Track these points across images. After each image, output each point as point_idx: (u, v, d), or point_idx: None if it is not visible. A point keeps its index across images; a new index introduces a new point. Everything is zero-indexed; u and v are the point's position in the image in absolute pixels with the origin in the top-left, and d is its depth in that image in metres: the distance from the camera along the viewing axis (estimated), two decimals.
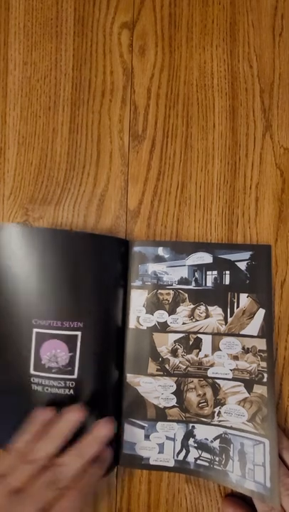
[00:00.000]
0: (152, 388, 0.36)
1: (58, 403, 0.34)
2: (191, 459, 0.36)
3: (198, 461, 0.35)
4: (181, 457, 0.36)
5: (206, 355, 0.36)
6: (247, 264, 0.37)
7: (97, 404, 0.35)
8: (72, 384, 0.34)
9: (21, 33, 0.42)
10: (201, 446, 0.36)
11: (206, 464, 0.35)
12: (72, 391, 0.34)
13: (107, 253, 0.37)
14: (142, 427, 0.36)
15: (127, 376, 0.37)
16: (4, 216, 0.41)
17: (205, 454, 0.35)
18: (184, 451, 0.36)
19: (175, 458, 0.36)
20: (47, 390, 0.34)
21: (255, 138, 0.39)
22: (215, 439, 0.35)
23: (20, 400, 0.35)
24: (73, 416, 0.32)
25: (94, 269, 0.36)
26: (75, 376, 0.34)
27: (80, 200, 0.41)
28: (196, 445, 0.36)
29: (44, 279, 0.34)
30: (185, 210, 0.40)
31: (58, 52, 0.42)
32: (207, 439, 0.36)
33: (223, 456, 0.35)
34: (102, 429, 0.32)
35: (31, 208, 0.41)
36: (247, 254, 0.37)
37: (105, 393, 0.35)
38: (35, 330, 0.34)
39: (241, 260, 0.37)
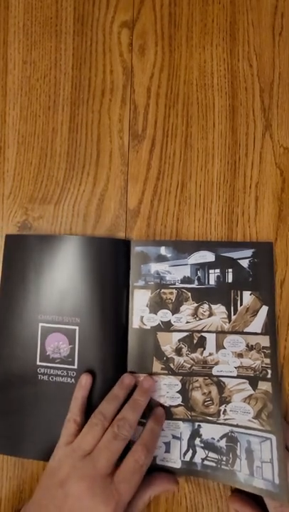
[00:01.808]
0: (157, 387, 0.35)
1: (62, 391, 0.36)
2: (198, 459, 0.34)
3: (206, 462, 0.34)
4: (188, 458, 0.35)
5: (210, 354, 0.35)
6: (249, 261, 0.36)
7: (99, 394, 0.35)
8: (73, 373, 0.36)
9: (21, 32, 0.41)
10: (208, 445, 0.34)
11: (213, 464, 0.34)
12: (73, 380, 0.36)
13: (108, 254, 0.37)
14: (141, 423, 0.34)
15: None
16: (4, 215, 0.40)
17: (212, 454, 0.34)
18: (190, 451, 0.35)
19: (182, 459, 0.35)
20: (52, 378, 0.36)
21: (255, 137, 0.38)
22: (221, 438, 0.34)
23: (29, 389, 0.36)
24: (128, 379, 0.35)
25: (94, 270, 0.36)
26: (75, 366, 0.36)
27: (79, 199, 0.40)
28: (202, 445, 0.34)
29: (49, 279, 0.37)
30: (185, 209, 0.38)
31: (58, 51, 0.40)
32: (214, 439, 0.34)
33: (230, 455, 0.33)
34: (145, 383, 0.35)
35: (31, 207, 0.40)
36: (249, 252, 0.36)
37: (108, 389, 0.35)
38: (40, 324, 0.37)
39: (243, 258, 0.36)
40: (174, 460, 0.35)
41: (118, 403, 0.33)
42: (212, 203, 0.38)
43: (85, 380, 0.35)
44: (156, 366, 0.36)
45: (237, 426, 0.34)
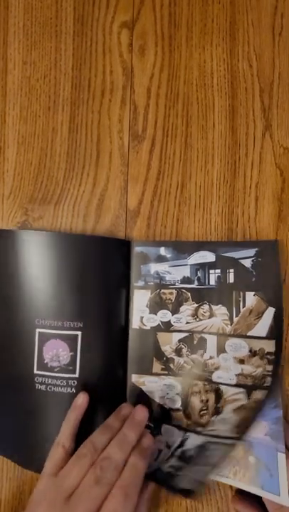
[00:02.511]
0: (157, 387, 0.34)
1: (61, 402, 0.32)
2: (165, 466, 0.33)
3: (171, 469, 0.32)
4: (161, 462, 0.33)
5: (211, 357, 0.34)
6: (252, 261, 0.34)
7: (102, 403, 0.33)
8: (74, 383, 0.33)
9: (21, 32, 0.40)
10: (182, 455, 0.33)
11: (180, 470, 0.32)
12: (74, 389, 0.33)
13: (108, 254, 0.35)
14: (148, 427, 0.34)
15: (132, 376, 0.35)
16: (4, 216, 0.39)
17: (180, 462, 0.32)
18: (168, 461, 0.33)
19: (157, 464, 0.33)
20: (50, 388, 0.33)
21: (255, 137, 0.37)
22: (197, 447, 0.33)
23: (25, 400, 0.33)
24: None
25: (95, 271, 0.34)
26: (76, 375, 0.33)
27: (79, 200, 0.39)
28: (179, 454, 0.33)
29: (47, 281, 0.34)
30: (185, 209, 0.38)
31: (58, 51, 0.39)
32: (190, 449, 0.33)
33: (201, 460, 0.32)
34: (137, 414, 0.30)
35: (31, 207, 0.39)
36: (252, 251, 0.34)
37: (109, 392, 0.34)
38: (38, 330, 0.33)
39: (246, 257, 0.34)
40: (153, 466, 0.33)
41: (112, 434, 0.29)
42: (212, 204, 0.38)
43: (82, 400, 0.32)
44: (156, 367, 0.35)
45: (217, 437, 0.32)
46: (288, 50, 0.38)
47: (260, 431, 0.32)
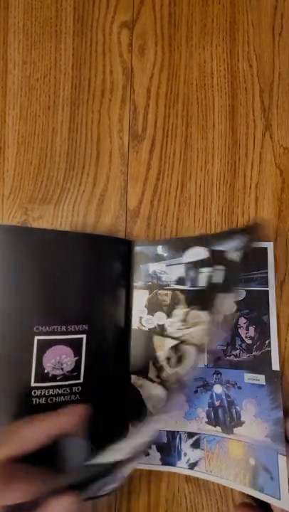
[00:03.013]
0: (151, 394, 0.33)
1: None
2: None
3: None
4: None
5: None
6: (242, 253, 0.31)
7: (104, 405, 0.32)
8: (78, 389, 0.31)
9: (20, 32, 0.40)
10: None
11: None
12: (78, 396, 0.30)
13: (109, 253, 0.34)
14: None
15: (131, 377, 0.34)
16: (4, 216, 0.39)
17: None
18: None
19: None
20: (51, 400, 0.30)
21: (255, 137, 0.37)
22: None
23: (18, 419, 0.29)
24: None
25: (96, 270, 0.33)
26: (81, 380, 0.31)
27: (79, 199, 0.38)
28: None
29: (45, 283, 0.30)
30: (185, 209, 0.37)
31: (58, 51, 0.39)
32: None
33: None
34: (72, 410, 0.26)
35: (31, 207, 0.39)
36: (239, 242, 0.31)
37: (112, 394, 0.33)
38: (36, 338, 0.30)
39: (234, 250, 0.32)
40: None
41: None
42: (212, 204, 0.37)
43: None
44: (152, 371, 0.34)
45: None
46: (288, 50, 0.37)
47: (261, 433, 0.31)
